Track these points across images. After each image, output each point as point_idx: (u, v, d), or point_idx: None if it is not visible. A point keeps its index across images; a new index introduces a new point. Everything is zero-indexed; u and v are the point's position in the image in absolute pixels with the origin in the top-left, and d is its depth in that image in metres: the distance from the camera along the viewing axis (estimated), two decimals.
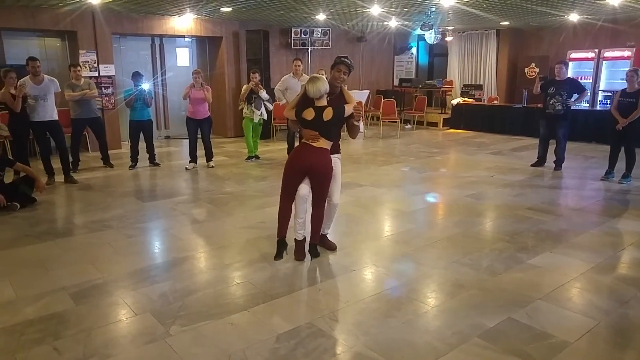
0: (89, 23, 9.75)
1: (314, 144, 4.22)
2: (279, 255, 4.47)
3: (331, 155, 4.33)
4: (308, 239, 4.51)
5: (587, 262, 4.40)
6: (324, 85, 4.16)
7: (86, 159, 9.22)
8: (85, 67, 9.75)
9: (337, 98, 4.32)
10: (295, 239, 4.47)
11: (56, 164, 7.54)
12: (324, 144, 4.24)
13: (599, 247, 4.77)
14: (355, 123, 4.36)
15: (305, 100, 4.28)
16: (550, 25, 12.82)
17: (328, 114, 4.19)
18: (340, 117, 4.25)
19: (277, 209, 4.45)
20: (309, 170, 4.26)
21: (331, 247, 4.69)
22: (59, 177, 7.53)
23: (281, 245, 4.50)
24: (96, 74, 9.96)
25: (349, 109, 4.27)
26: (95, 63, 9.97)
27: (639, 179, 7.33)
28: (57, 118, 7.45)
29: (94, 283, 4.00)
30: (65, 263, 4.45)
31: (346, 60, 4.34)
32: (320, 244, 4.61)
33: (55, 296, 3.78)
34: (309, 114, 4.22)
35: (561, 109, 7.96)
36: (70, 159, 7.85)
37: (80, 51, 9.77)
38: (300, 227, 4.42)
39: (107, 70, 10.17)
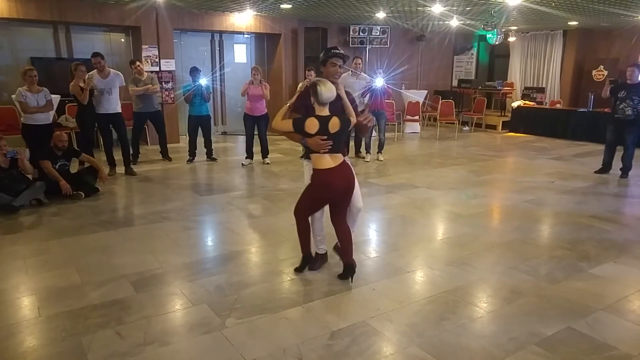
0: (152, 19, 10.04)
1: (334, 162, 3.69)
2: (302, 269, 4.16)
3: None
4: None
5: None
6: (334, 88, 3.63)
7: (145, 152, 9.50)
8: (147, 61, 10.06)
9: (333, 103, 3.73)
10: (317, 252, 4.26)
11: (117, 155, 7.79)
12: (339, 156, 3.74)
13: None
14: (365, 123, 3.85)
15: (305, 109, 3.72)
16: (623, 27, 12.26)
17: (334, 125, 3.63)
18: (347, 129, 3.76)
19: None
20: (344, 192, 3.83)
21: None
22: (120, 169, 7.78)
23: (308, 259, 4.17)
24: (157, 69, 10.22)
25: (353, 121, 3.77)
26: (156, 58, 10.24)
27: None
28: (120, 111, 7.68)
29: (154, 272, 4.12)
30: (127, 252, 4.61)
31: (337, 51, 3.86)
32: (338, 251, 4.19)
33: (118, 283, 3.91)
34: (312, 126, 3.61)
35: (631, 114, 7.62)
36: (131, 152, 8.09)
37: (143, 46, 10.08)
38: (321, 242, 4.22)
39: (167, 65, 10.43)
